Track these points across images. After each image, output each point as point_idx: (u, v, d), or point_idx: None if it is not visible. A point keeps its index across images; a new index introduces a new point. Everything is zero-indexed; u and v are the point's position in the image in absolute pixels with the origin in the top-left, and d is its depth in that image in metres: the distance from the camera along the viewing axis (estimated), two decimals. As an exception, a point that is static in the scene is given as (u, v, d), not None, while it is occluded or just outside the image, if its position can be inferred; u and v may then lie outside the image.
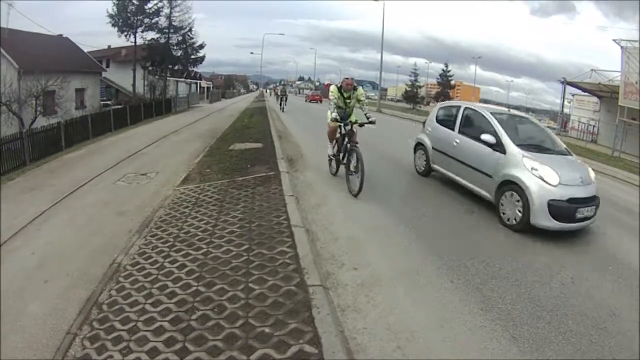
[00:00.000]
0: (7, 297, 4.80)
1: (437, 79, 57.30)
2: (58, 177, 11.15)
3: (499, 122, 7.37)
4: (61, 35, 33.68)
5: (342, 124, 8.02)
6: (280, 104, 30.63)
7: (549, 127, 37.94)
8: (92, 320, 4.01)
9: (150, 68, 38.49)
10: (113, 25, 36.23)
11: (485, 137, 7.18)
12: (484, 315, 4.06)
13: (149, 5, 37.01)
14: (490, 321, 3.96)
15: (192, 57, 40.76)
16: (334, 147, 8.56)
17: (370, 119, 7.92)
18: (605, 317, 4.22)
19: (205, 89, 64.75)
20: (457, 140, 8.09)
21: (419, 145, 9.64)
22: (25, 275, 5.41)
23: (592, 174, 6.98)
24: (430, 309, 4.15)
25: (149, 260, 5.11)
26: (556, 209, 6.06)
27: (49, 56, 26.73)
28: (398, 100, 79.03)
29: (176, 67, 41.27)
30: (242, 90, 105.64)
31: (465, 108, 8.37)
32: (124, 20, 36.19)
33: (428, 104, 69.10)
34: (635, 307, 4.49)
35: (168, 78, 40.64)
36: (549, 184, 6.16)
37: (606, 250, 6.12)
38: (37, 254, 6.07)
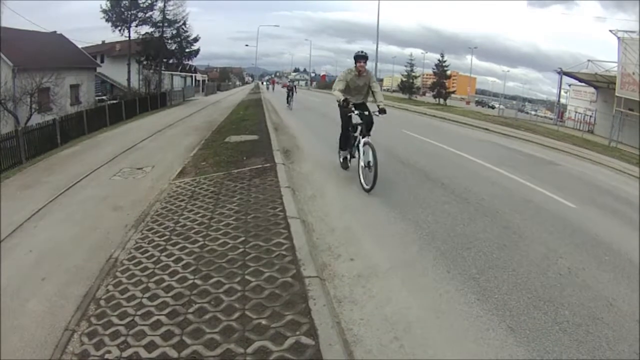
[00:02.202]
0: (5, 296, 4.80)
1: (433, 69, 57.06)
2: (54, 174, 11.12)
3: None
4: (55, 32, 33.44)
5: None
6: (358, 132, 7.55)
7: (545, 117, 38.01)
8: (90, 316, 4.01)
9: (144, 62, 38.29)
10: (107, 20, 36.04)
11: None
12: (480, 305, 4.07)
13: (143, -1, 36.75)
14: (486, 311, 3.97)
15: (187, 50, 40.53)
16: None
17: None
18: (602, 308, 4.23)
19: (201, 82, 64.49)
20: None
21: None
22: (23, 273, 5.42)
23: None
24: (427, 299, 4.16)
25: (146, 255, 5.11)
26: None
27: (43, 53, 26.61)
28: (394, 91, 78.83)
29: (171, 61, 41.05)
30: (237, 83, 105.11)
31: None
32: (117, 15, 35.95)
33: (424, 94, 69.01)
34: (632, 297, 4.50)
35: (163, 72, 40.48)
36: None
37: (603, 240, 6.13)
38: (35, 251, 6.07)
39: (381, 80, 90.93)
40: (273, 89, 57.65)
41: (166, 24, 38.12)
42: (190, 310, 3.83)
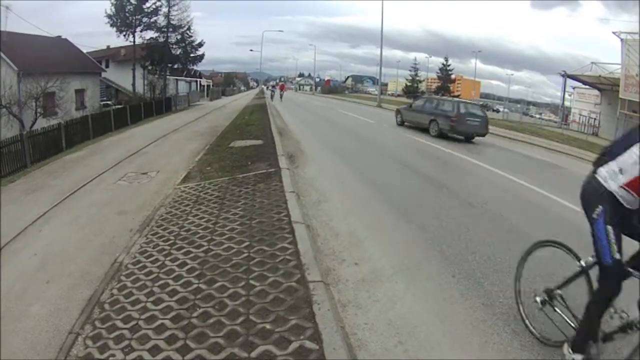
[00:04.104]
0: (9, 299, 4.81)
1: (437, 73, 57.12)
2: (59, 178, 11.16)
3: None
4: (60, 36, 33.74)
5: None
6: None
7: (549, 120, 38.04)
8: (94, 319, 4.01)
9: (149, 67, 38.44)
10: (111, 25, 36.25)
11: None
12: (485, 309, 4.06)
13: (147, 4, 36.98)
14: (491, 315, 3.96)
15: (192, 55, 40.72)
16: None
17: None
18: (608, 312, 4.20)
19: (205, 87, 64.82)
20: None
21: None
22: (28, 276, 5.42)
23: None
24: (432, 303, 4.15)
25: (150, 259, 5.11)
26: None
27: (48, 58, 26.78)
28: (398, 95, 79.02)
29: (176, 66, 41.24)
30: (242, 88, 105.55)
31: None
32: (122, 20, 36.15)
33: (429, 98, 68.94)
34: (636, 301, 4.47)
35: (168, 77, 40.64)
36: None
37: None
38: (39, 255, 6.08)
39: (385, 85, 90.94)
40: (281, 97, 41.26)
41: (171, 29, 38.31)
42: (195, 314, 3.83)
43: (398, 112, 21.13)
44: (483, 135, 17.56)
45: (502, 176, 9.84)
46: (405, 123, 19.90)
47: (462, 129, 16.60)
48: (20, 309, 4.62)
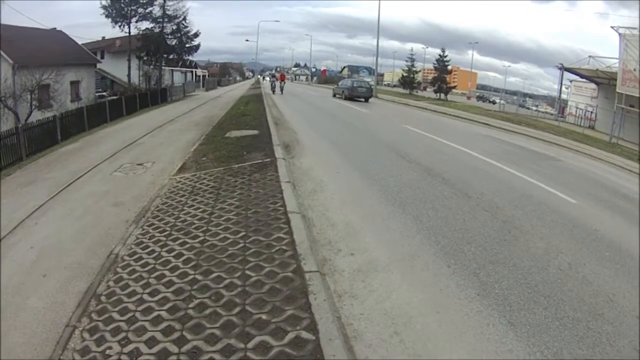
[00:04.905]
0: (6, 293, 4.79)
1: (434, 64, 56.79)
2: (55, 170, 11.10)
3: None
4: (54, 28, 33.44)
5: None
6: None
7: (546, 112, 38.39)
8: (90, 312, 4.02)
9: (145, 58, 38.03)
10: (107, 16, 35.73)
11: None
12: (480, 300, 4.08)
13: (143, -5, 36.56)
14: (486, 306, 3.98)
15: (187, 45, 40.18)
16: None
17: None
18: (602, 303, 4.23)
19: (201, 77, 64.44)
20: None
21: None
22: (24, 269, 5.40)
23: None
24: (427, 294, 4.17)
25: (146, 250, 5.12)
26: None
27: (43, 50, 26.51)
28: (395, 86, 78.83)
29: (171, 56, 40.74)
30: (238, 78, 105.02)
31: None
32: (117, 11, 35.70)
33: (425, 89, 68.93)
34: (633, 293, 4.50)
35: (163, 67, 40.27)
36: None
37: (603, 236, 6.13)
38: (35, 248, 6.06)
39: (382, 75, 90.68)
40: (282, 89, 36.59)
41: (166, 20, 37.80)
42: (191, 305, 3.83)
43: (333, 90, 35.42)
44: (370, 97, 31.14)
45: (498, 167, 9.85)
46: (336, 95, 32.45)
47: (355, 95, 29.69)
48: (18, 302, 4.61)
